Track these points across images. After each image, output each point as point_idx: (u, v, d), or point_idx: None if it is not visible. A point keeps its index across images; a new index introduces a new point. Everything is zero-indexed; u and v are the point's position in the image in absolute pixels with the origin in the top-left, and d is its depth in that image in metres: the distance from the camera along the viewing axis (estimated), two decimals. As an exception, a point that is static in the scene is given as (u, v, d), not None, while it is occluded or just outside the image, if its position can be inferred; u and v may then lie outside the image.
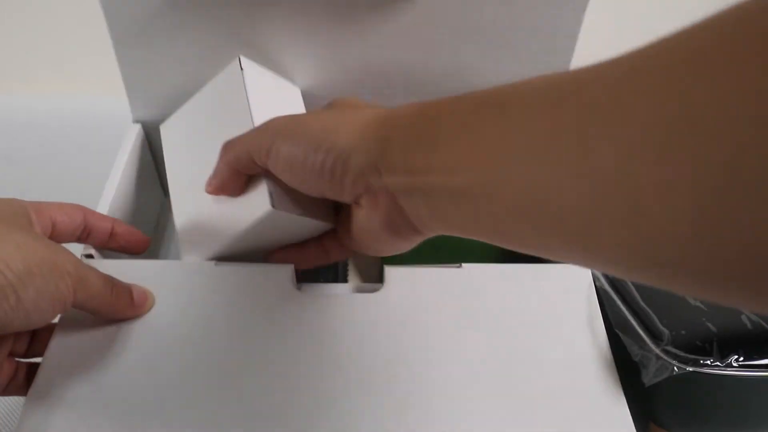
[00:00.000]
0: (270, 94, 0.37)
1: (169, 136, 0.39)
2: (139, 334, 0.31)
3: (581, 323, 0.34)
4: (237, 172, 0.32)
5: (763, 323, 0.36)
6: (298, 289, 0.34)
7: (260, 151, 0.30)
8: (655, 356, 0.34)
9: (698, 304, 0.37)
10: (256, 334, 0.31)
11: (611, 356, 0.33)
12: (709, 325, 0.35)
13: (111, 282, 0.30)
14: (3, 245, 0.25)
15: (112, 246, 0.35)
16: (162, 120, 0.40)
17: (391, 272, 0.34)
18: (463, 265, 0.35)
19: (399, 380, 0.30)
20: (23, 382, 0.30)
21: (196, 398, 0.29)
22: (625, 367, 0.38)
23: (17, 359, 0.31)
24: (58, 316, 0.31)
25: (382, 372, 0.30)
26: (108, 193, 0.39)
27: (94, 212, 0.34)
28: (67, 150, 0.59)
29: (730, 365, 0.34)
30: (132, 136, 0.43)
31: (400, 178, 0.25)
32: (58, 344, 0.30)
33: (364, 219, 0.29)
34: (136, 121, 0.44)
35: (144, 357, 0.30)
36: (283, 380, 0.30)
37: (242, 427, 0.28)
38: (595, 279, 0.41)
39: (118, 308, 0.30)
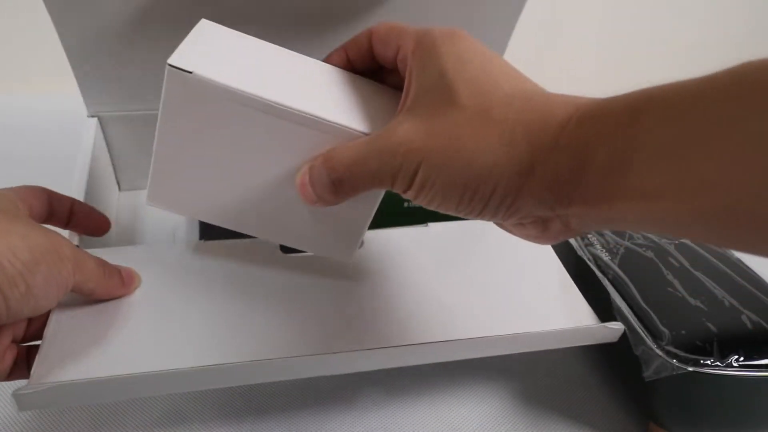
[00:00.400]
0: (238, 60, 0.28)
1: (168, 195, 0.32)
2: (136, 306, 0.33)
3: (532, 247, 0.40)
4: (348, 196, 0.28)
5: (763, 323, 0.36)
6: (285, 252, 0.37)
7: (396, 178, 0.24)
8: (656, 356, 0.34)
9: (698, 304, 0.37)
10: (249, 289, 0.35)
11: (562, 266, 0.39)
12: (709, 325, 0.35)
13: (103, 263, 0.32)
14: (8, 236, 0.26)
15: (74, 225, 0.36)
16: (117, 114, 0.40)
17: (368, 235, 0.39)
18: (429, 224, 0.41)
19: (392, 305, 0.35)
20: (24, 365, 0.31)
21: (197, 349, 0.31)
22: (626, 364, 0.38)
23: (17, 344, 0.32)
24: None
25: (378, 304, 0.35)
26: (79, 186, 0.40)
27: (55, 192, 0.35)
28: (68, 150, 0.59)
29: (730, 365, 0.34)
30: (91, 130, 0.44)
31: (579, 209, 0.22)
32: (56, 323, 0.31)
33: (513, 229, 0.26)
34: (91, 115, 0.45)
35: (143, 324, 0.32)
36: (283, 326, 0.32)
37: (252, 352, 0.31)
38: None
39: (110, 288, 0.32)
